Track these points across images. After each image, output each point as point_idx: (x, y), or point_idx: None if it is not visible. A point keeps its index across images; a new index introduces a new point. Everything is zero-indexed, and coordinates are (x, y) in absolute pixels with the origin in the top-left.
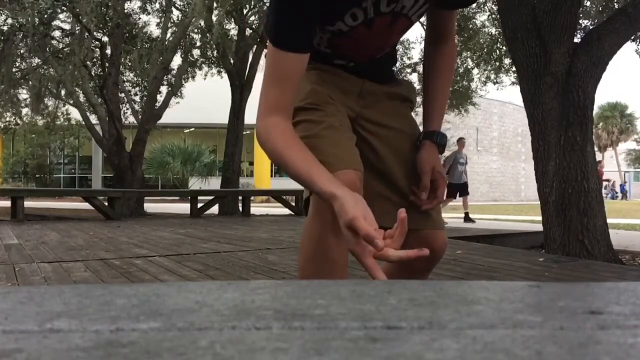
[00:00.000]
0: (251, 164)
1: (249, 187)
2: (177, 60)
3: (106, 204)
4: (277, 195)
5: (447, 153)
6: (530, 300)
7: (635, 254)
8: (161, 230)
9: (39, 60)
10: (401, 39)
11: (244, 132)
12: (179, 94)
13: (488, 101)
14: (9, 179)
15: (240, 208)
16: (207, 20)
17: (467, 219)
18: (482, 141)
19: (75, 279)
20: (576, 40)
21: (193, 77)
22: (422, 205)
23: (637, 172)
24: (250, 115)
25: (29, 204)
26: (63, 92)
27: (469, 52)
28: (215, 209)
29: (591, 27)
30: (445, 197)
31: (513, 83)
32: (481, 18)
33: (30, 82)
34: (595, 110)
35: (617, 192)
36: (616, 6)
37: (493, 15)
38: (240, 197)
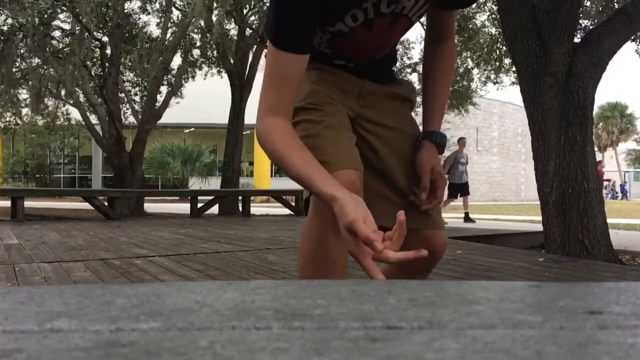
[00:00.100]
0: (251, 164)
1: (249, 187)
2: (177, 60)
3: (106, 204)
4: (277, 195)
5: (447, 153)
6: (530, 300)
7: (635, 254)
8: (161, 230)
9: (39, 60)
10: (401, 39)
11: (244, 132)
12: (179, 94)
13: (488, 101)
14: (9, 179)
15: (240, 208)
16: (207, 20)
17: (467, 219)
18: (482, 141)
19: (75, 279)
20: (576, 40)
21: (193, 77)
22: (421, 205)
23: (637, 172)
24: (250, 115)
25: (29, 204)
26: (63, 92)
27: (469, 52)
28: (215, 209)
29: (591, 27)
30: (446, 197)
31: (513, 83)
32: (481, 18)
33: (30, 82)
34: (595, 110)
35: (617, 192)
36: (616, 6)
37: (493, 15)
38: (240, 197)
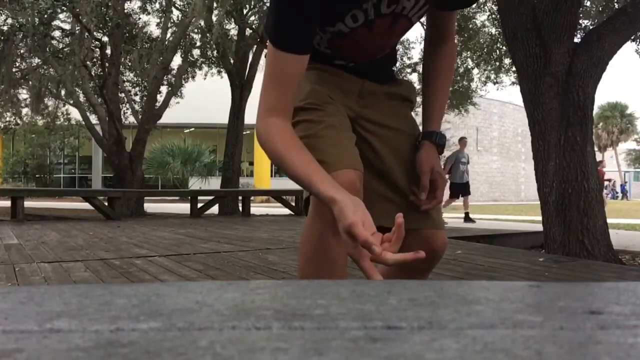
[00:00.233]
0: (251, 164)
1: (249, 187)
2: (177, 60)
3: (106, 204)
4: (277, 195)
5: (447, 153)
6: (530, 300)
7: (635, 254)
8: (161, 230)
9: (39, 60)
10: (401, 39)
11: (244, 132)
12: (179, 94)
13: (488, 101)
14: (9, 179)
15: (240, 208)
16: (207, 20)
17: (467, 219)
18: (482, 141)
19: (75, 279)
20: (576, 40)
21: (193, 77)
22: (421, 205)
23: (637, 172)
24: (250, 115)
25: (29, 204)
26: (63, 92)
27: (469, 52)
28: (215, 209)
29: (591, 27)
30: (448, 197)
31: (513, 83)
32: (481, 18)
33: (30, 82)
34: (595, 110)
35: (617, 192)
36: (616, 6)
37: (493, 15)
38: (240, 197)
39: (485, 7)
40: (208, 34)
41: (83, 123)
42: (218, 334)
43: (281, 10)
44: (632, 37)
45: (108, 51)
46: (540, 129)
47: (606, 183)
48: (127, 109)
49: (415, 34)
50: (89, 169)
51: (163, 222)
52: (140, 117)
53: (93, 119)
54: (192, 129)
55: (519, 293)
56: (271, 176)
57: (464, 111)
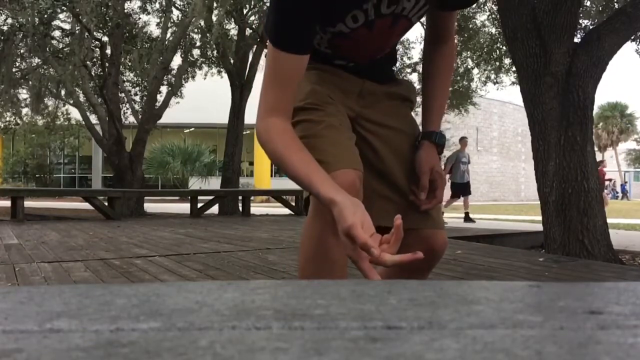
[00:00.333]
0: (251, 164)
1: (249, 187)
2: (177, 60)
3: (106, 204)
4: (277, 195)
5: (447, 153)
6: (530, 300)
7: (635, 254)
8: (161, 230)
9: (39, 60)
10: (401, 39)
11: (244, 132)
12: (179, 94)
13: (488, 101)
14: (9, 179)
15: (240, 208)
16: (207, 20)
17: (467, 219)
18: (482, 141)
19: (75, 279)
20: (576, 40)
21: (193, 77)
22: (421, 205)
23: (637, 172)
24: (250, 115)
25: (29, 204)
26: (63, 92)
27: (469, 52)
28: (215, 209)
29: (591, 27)
30: (450, 197)
31: (513, 83)
32: (481, 18)
33: (30, 82)
34: (595, 110)
35: (617, 192)
36: (616, 6)
37: (493, 15)
38: (240, 197)
39: (485, 7)
40: (208, 34)
41: (83, 123)
42: (218, 334)
43: (281, 10)
44: (632, 37)
45: (108, 51)
46: (540, 129)
47: (607, 183)
48: (127, 109)
49: (415, 34)
50: (89, 169)
51: (163, 222)
52: (140, 117)
53: (93, 119)
54: (192, 129)
55: (519, 293)
56: (271, 176)
57: (464, 111)
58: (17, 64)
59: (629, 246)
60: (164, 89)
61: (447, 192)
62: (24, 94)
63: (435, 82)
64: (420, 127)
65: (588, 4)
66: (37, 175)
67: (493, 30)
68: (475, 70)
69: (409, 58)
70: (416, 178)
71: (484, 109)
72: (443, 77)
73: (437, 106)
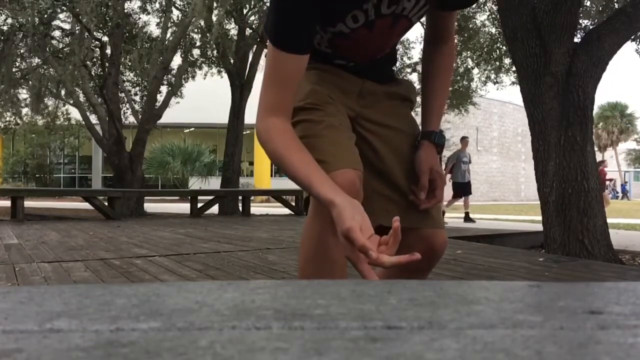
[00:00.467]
0: (251, 164)
1: (249, 187)
2: (177, 60)
3: (106, 203)
4: (277, 195)
5: (448, 153)
6: (530, 300)
7: (635, 254)
8: (161, 230)
9: (39, 60)
10: (401, 39)
11: (244, 132)
12: (179, 94)
13: (488, 101)
14: (9, 179)
15: (240, 208)
16: (207, 20)
17: (467, 218)
18: (482, 141)
19: (75, 279)
20: (576, 40)
21: (193, 77)
22: (420, 204)
23: (637, 172)
24: (250, 115)
25: (29, 204)
26: (63, 92)
27: (469, 52)
28: (215, 209)
29: (591, 27)
30: (451, 197)
31: (513, 83)
32: (481, 18)
33: (30, 82)
34: (595, 110)
35: (617, 192)
36: (616, 6)
37: (493, 15)
38: (240, 197)
39: (485, 7)
40: (208, 34)
41: (83, 123)
42: (218, 334)
43: (281, 10)
44: (632, 37)
45: (108, 51)
46: (540, 129)
47: (607, 183)
48: (127, 109)
49: (415, 34)
50: (89, 168)
51: (163, 222)
52: (140, 117)
53: (93, 119)
54: (192, 129)
55: (519, 293)
56: (271, 176)
57: (464, 111)
58: (17, 64)
59: (629, 246)
60: (164, 89)
61: (449, 192)
62: (24, 94)
63: (435, 82)
64: (420, 127)
65: (588, 4)
66: (37, 175)
67: (493, 30)
68: (475, 70)
69: (409, 58)
70: (416, 178)
71: (484, 109)
72: (443, 77)
73: (436, 106)
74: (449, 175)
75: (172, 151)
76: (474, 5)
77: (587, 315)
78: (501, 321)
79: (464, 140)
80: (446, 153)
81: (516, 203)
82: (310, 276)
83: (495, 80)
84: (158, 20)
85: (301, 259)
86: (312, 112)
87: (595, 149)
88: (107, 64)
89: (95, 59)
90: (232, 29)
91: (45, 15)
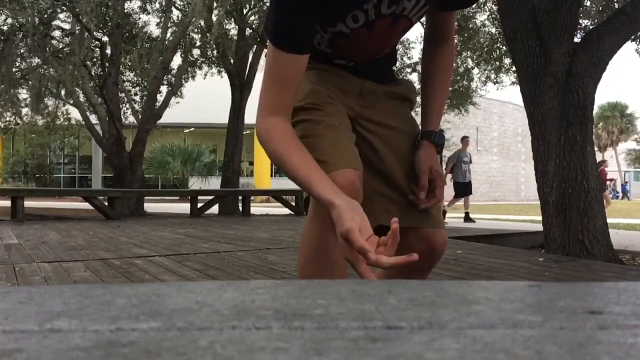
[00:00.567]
0: (251, 164)
1: (249, 187)
2: (177, 60)
3: (106, 203)
4: (277, 195)
5: (448, 153)
6: (530, 300)
7: (635, 254)
8: (161, 230)
9: (39, 60)
10: (401, 39)
11: (244, 132)
12: (179, 94)
13: (488, 101)
14: (9, 179)
15: (240, 208)
16: (207, 20)
17: (467, 218)
18: (482, 141)
19: (75, 279)
20: (576, 40)
21: (193, 77)
22: (420, 204)
23: (637, 172)
24: (250, 115)
25: (29, 203)
26: (63, 92)
27: (469, 52)
28: (215, 209)
29: (591, 27)
30: (453, 197)
31: (513, 83)
32: (481, 18)
33: (30, 82)
34: (595, 110)
35: (617, 192)
36: (616, 6)
37: (493, 15)
38: (240, 197)
39: (485, 7)
40: (208, 34)
41: (83, 123)
42: (218, 334)
43: (281, 10)
44: (632, 37)
45: (108, 51)
46: (540, 129)
47: (608, 183)
48: (127, 109)
49: (415, 34)
50: (89, 168)
51: (163, 222)
52: (140, 117)
53: (93, 119)
54: (192, 129)
55: (519, 293)
56: (271, 176)
57: (464, 111)
58: (17, 64)
59: (629, 246)
60: (164, 89)
61: (449, 192)
62: (24, 94)
63: (435, 82)
64: (420, 127)
65: (588, 4)
66: (37, 175)
67: (493, 30)
68: (475, 70)
69: (409, 58)
70: (416, 177)
71: (484, 109)
72: (443, 77)
73: (436, 106)
74: (449, 175)
75: (172, 151)
76: (474, 5)
77: (587, 315)
78: (501, 321)
79: (464, 140)
80: (446, 153)
81: (516, 203)
82: (310, 276)
83: (495, 80)
84: (158, 20)
85: (301, 259)
86: (312, 112)
87: (595, 149)
88: (107, 64)
89: (95, 59)
90: (232, 29)
91: (45, 15)
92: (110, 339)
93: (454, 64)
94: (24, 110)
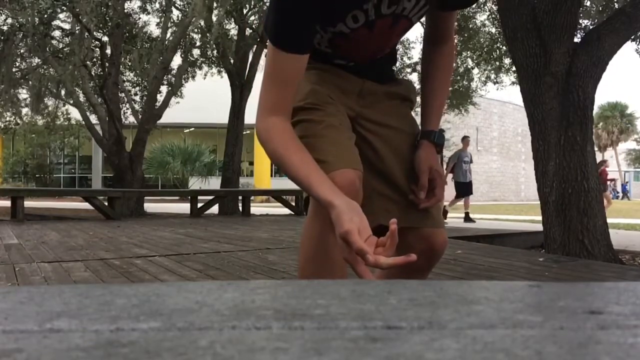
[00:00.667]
0: (251, 164)
1: (249, 187)
2: (177, 60)
3: (106, 203)
4: (277, 195)
5: (448, 153)
6: (530, 300)
7: (635, 254)
8: (161, 230)
9: (39, 60)
10: (401, 39)
11: (244, 132)
12: (179, 94)
13: (488, 101)
14: (9, 179)
15: (240, 208)
16: (207, 20)
17: (467, 218)
18: (482, 141)
19: (75, 279)
20: (576, 40)
21: (193, 77)
22: (420, 204)
23: (637, 172)
24: (250, 115)
25: (29, 203)
26: (63, 92)
27: (469, 52)
28: (215, 209)
29: (591, 27)
30: (454, 197)
31: (513, 83)
32: (481, 18)
33: (30, 82)
34: (595, 110)
35: (618, 192)
36: (616, 6)
37: (493, 15)
38: (240, 197)
39: (485, 7)
40: (208, 34)
41: (83, 123)
42: (218, 334)
43: (281, 10)
44: (632, 37)
45: (108, 51)
46: (540, 129)
47: (609, 183)
48: (127, 109)
49: (415, 34)
50: (89, 168)
51: (163, 222)
52: (140, 117)
53: (93, 119)
54: (192, 129)
55: (519, 293)
56: (271, 176)
57: (464, 111)
58: (17, 64)
59: (629, 246)
60: (164, 89)
61: (450, 192)
62: (24, 94)
63: (435, 82)
64: (420, 127)
65: (588, 4)
66: (37, 175)
67: (493, 30)
68: (475, 70)
69: (409, 58)
70: (416, 177)
71: (484, 109)
72: (443, 77)
73: (436, 106)
74: (450, 175)
75: (172, 151)
76: (474, 5)
77: (587, 315)
78: (501, 321)
79: (465, 139)
80: (446, 153)
81: (516, 203)
82: (310, 276)
83: (495, 80)
84: (158, 20)
85: (301, 259)
86: (312, 112)
87: (595, 149)
88: (107, 64)
89: (95, 59)
90: (232, 29)
91: (45, 15)
92: (110, 339)
93: (454, 64)
94: (24, 110)
